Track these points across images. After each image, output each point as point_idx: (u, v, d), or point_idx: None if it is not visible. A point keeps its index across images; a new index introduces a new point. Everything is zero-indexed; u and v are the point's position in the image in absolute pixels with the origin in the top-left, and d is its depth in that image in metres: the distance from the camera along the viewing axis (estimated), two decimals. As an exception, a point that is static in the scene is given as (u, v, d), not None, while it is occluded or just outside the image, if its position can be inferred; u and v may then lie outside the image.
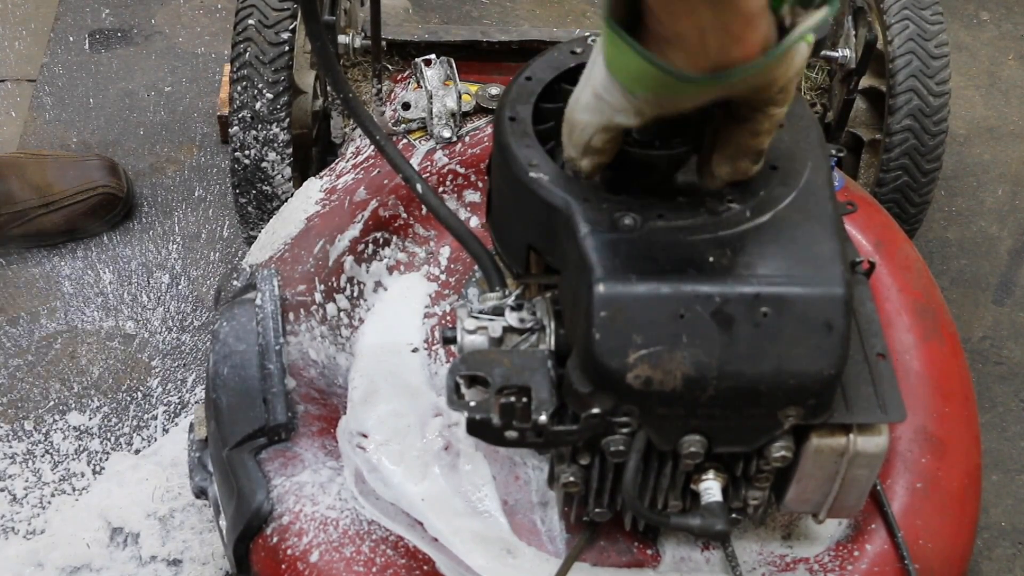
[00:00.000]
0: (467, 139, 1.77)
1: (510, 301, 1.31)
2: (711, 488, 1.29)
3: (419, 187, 1.42)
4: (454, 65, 1.79)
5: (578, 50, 1.35)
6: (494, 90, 1.81)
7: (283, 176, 1.91)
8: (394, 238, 1.68)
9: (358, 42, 1.96)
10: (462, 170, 1.73)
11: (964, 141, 2.52)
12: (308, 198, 1.72)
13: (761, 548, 1.44)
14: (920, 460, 1.48)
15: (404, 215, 1.68)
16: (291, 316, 1.56)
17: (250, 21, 1.87)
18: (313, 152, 2.04)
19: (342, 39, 1.95)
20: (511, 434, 1.21)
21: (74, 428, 2.02)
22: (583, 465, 1.28)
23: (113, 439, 2.01)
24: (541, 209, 1.24)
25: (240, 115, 1.87)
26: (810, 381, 1.17)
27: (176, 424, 2.04)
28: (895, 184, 1.97)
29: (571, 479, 1.29)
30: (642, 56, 1.06)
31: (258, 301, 1.56)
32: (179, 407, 2.06)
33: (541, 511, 1.46)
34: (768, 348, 1.16)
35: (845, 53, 2.03)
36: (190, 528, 1.86)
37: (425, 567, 1.38)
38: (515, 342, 1.29)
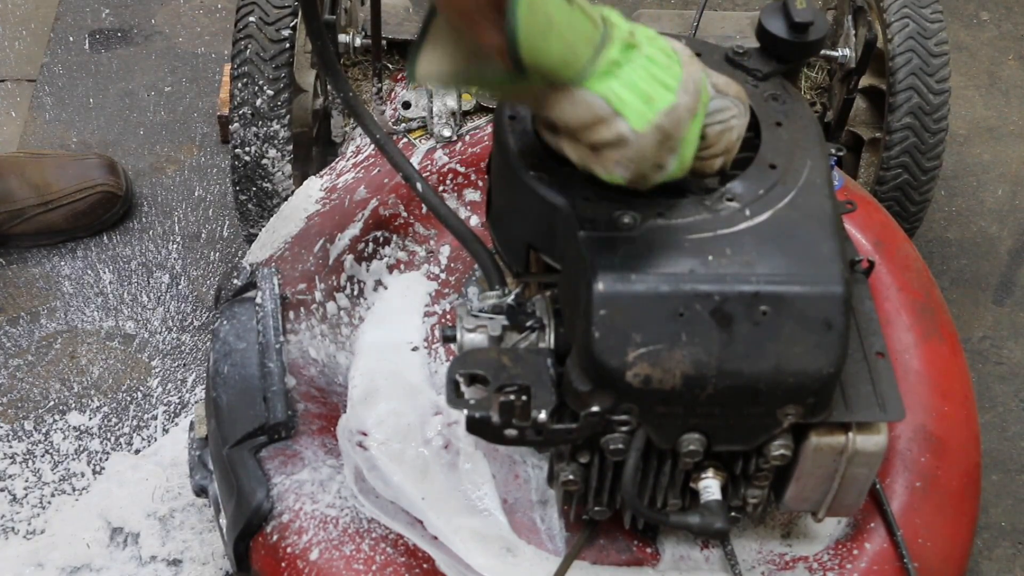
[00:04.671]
0: (467, 138, 1.77)
1: (510, 300, 1.31)
2: (710, 486, 1.29)
3: (419, 186, 1.42)
4: (454, 64, 1.79)
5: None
6: (494, 89, 1.81)
7: (283, 173, 1.91)
8: (394, 237, 1.68)
9: (358, 41, 1.96)
10: (462, 169, 1.73)
11: (964, 141, 2.52)
12: (308, 197, 1.72)
13: (760, 546, 1.44)
14: (919, 459, 1.48)
15: (404, 214, 1.68)
16: (291, 314, 1.56)
17: (251, 18, 1.87)
18: (313, 151, 2.03)
19: (342, 38, 1.95)
20: (510, 432, 1.21)
21: (74, 428, 2.02)
22: (582, 463, 1.28)
23: (113, 439, 2.01)
24: (541, 208, 1.24)
25: (240, 111, 1.87)
26: (809, 380, 1.18)
27: (176, 424, 2.04)
28: (895, 182, 1.97)
29: (570, 477, 1.29)
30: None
31: (258, 299, 1.56)
32: (179, 407, 2.06)
33: (541, 509, 1.46)
34: (767, 347, 1.16)
35: (845, 52, 2.03)
36: (190, 528, 1.86)
37: (425, 565, 1.38)
38: (515, 340, 1.29)
